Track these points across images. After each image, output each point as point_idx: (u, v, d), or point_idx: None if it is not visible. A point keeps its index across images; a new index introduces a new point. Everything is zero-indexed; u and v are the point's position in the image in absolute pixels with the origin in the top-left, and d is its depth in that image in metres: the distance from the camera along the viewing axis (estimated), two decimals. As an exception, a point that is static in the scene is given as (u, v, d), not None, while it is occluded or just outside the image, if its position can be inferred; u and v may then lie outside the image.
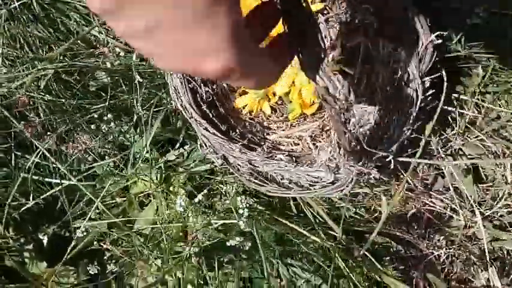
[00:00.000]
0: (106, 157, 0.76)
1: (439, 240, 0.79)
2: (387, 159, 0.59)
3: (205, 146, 0.62)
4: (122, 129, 0.77)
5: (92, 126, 0.74)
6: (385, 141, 0.58)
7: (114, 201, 0.79)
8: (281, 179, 0.61)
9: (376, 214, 0.71)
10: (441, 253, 0.78)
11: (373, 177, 0.57)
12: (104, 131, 0.75)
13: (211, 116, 0.62)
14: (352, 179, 0.55)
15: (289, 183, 0.61)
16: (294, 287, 0.67)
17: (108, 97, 0.70)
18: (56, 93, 0.74)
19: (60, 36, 0.80)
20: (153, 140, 0.75)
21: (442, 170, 0.77)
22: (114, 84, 0.76)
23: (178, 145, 0.75)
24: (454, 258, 0.79)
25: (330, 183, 0.58)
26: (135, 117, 0.73)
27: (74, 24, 0.79)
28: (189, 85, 0.61)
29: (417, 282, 0.75)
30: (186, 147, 0.76)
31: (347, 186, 0.56)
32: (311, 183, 0.60)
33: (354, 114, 0.50)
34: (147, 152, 0.74)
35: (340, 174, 0.57)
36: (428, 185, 0.76)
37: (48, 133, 0.71)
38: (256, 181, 0.62)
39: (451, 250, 0.77)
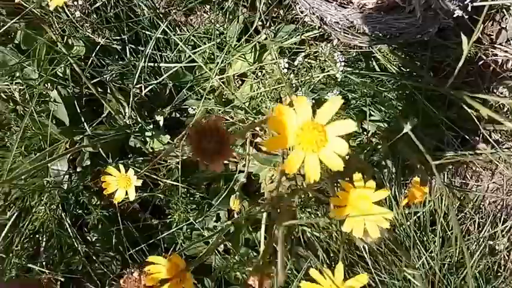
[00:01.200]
0: (203, 45, 0.87)
1: (501, 92, 0.90)
2: (466, 1, 0.68)
3: (305, 9, 0.72)
4: (212, 20, 0.88)
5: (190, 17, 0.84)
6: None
7: (212, 84, 0.91)
8: (373, 31, 0.71)
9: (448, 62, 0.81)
10: (505, 103, 0.89)
11: (456, 15, 0.66)
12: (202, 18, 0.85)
13: (306, -17, 0.72)
14: (440, 16, 0.65)
15: (379, 35, 0.72)
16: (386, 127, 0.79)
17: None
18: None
19: None
20: (242, 22, 0.86)
21: (505, 26, 0.86)
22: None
23: (268, 24, 0.86)
24: (515, 106, 0.89)
25: (418, 27, 0.68)
26: (229, 1, 0.83)
27: None
28: (287, -45, 0.70)
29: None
30: (271, 28, 0.86)
31: (435, 26, 0.66)
32: (399, 31, 0.70)
33: None
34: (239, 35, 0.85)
35: (426, 18, 0.67)
36: (492, 39, 0.85)
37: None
38: (350, 36, 0.73)
39: (513, 98, 0.88)
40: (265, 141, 0.40)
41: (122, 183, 0.67)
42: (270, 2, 0.86)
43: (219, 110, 0.88)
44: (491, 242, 0.90)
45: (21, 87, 0.89)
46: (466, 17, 0.70)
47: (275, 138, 0.39)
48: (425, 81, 0.75)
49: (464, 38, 0.70)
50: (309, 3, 0.71)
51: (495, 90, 0.89)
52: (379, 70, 0.81)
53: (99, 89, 0.90)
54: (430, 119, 0.80)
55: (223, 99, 0.92)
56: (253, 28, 0.82)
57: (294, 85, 0.79)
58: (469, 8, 0.69)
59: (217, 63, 0.86)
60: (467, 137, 0.81)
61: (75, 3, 0.75)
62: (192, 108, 0.88)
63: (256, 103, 0.88)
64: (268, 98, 0.85)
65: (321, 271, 0.46)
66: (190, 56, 0.88)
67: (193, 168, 0.92)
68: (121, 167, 0.67)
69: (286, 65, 0.77)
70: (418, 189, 0.57)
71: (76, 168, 0.89)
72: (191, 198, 0.92)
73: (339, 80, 0.75)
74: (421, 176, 0.60)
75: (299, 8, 0.75)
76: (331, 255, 0.92)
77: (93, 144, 0.77)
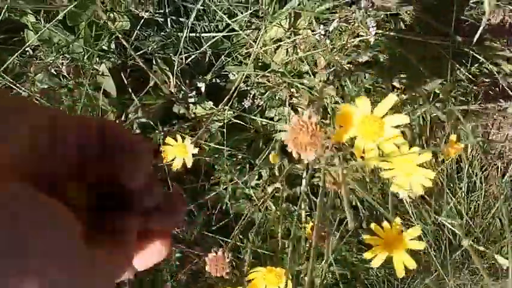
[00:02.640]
0: (239, 14, 0.97)
1: (519, 46, 1.01)
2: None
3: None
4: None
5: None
6: None
7: (247, 51, 1.01)
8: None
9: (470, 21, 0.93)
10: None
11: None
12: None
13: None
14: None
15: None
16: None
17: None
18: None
19: None
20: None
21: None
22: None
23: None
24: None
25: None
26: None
27: None
28: None
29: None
30: (304, -6, 0.96)
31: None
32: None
33: None
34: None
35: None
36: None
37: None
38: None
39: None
40: (334, 133, 0.51)
41: (179, 152, 0.77)
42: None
43: (257, 74, 0.99)
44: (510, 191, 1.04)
45: (67, 62, 0.98)
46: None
47: (341, 130, 0.50)
48: (451, 40, 0.86)
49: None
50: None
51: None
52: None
53: (142, 59, 1.00)
54: (454, 74, 0.92)
55: (259, 64, 1.02)
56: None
57: (329, 50, 0.90)
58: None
59: (255, 29, 0.96)
60: (489, 92, 0.93)
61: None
62: (232, 73, 0.98)
63: (292, 67, 0.99)
64: (303, 62, 0.95)
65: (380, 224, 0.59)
66: (228, 24, 0.98)
67: (234, 131, 1.03)
68: (178, 137, 0.77)
69: (323, 32, 0.88)
70: (453, 147, 0.69)
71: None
72: (233, 160, 1.03)
73: (371, 43, 0.86)
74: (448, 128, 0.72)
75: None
76: (366, 204, 1.05)
77: (146, 115, 0.87)
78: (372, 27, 0.86)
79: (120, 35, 0.92)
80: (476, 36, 0.84)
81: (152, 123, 0.96)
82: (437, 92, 0.94)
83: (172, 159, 0.80)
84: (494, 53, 0.86)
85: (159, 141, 0.96)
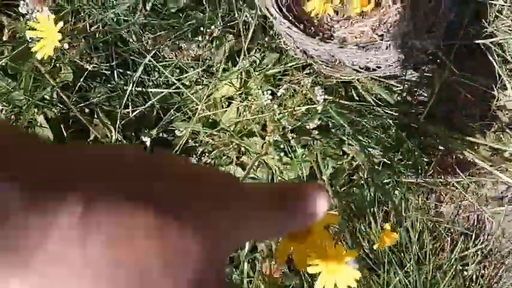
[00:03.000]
0: (190, 69, 0.95)
1: (474, 113, 1.01)
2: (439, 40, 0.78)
3: (289, 43, 0.81)
4: (200, 45, 0.96)
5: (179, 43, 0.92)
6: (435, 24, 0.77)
7: (197, 107, 0.99)
8: (353, 64, 0.81)
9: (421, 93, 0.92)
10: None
11: (430, 51, 0.77)
12: (187, 46, 0.93)
13: (290, 18, 0.81)
14: (415, 52, 0.75)
15: (358, 68, 0.81)
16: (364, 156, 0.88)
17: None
18: (145, 16, 0.91)
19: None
20: (228, 50, 0.94)
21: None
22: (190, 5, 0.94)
23: (253, 52, 0.94)
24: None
25: (394, 61, 0.78)
26: (216, 31, 0.92)
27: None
28: (272, -8, 0.79)
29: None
30: (257, 54, 0.95)
31: (411, 61, 0.76)
32: (377, 65, 0.80)
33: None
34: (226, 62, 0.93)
35: (401, 54, 0.77)
36: (463, 68, 0.96)
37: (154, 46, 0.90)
38: (331, 68, 0.82)
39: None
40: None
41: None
42: (255, 30, 0.95)
43: (205, 132, 0.97)
44: (460, 267, 1.01)
45: (7, 108, 0.95)
46: (440, 53, 0.81)
47: None
48: (400, 111, 0.85)
49: (436, 75, 0.81)
50: (293, 37, 0.80)
51: (468, 113, 1.00)
52: (357, 98, 0.91)
53: (87, 110, 0.97)
54: (404, 144, 0.90)
55: (209, 120, 1.00)
56: (241, 58, 0.91)
57: (277, 114, 0.88)
58: (441, 46, 0.79)
59: (205, 87, 0.94)
60: (439, 169, 0.92)
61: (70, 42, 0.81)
62: (179, 130, 0.95)
63: (242, 125, 0.97)
64: (253, 122, 0.93)
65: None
66: (178, 79, 0.96)
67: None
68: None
69: (270, 97, 0.86)
70: (388, 236, 0.67)
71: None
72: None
73: (319, 111, 0.85)
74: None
75: (283, 42, 0.83)
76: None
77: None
78: (320, 95, 0.84)
79: (58, 89, 0.89)
80: (423, 114, 0.84)
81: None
82: (387, 161, 0.93)
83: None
84: (442, 128, 0.85)
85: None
